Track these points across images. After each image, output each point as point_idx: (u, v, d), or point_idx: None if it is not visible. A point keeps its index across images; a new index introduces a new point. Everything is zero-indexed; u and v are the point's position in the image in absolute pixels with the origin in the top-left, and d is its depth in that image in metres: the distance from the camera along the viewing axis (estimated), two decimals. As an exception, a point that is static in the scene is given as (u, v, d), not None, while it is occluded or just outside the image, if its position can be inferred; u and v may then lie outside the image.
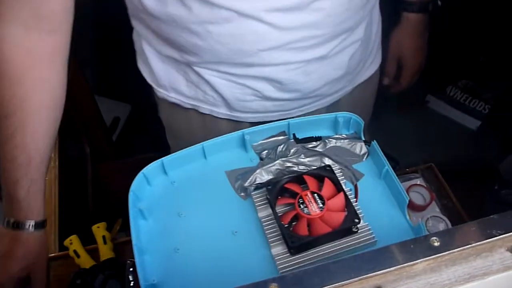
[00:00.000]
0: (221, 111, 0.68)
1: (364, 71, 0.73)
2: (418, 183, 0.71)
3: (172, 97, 0.69)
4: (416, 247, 0.37)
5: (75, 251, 0.66)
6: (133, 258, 0.48)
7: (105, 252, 0.65)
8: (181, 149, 0.56)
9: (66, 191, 0.91)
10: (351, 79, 0.71)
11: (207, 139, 0.57)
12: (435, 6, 0.80)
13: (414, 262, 0.36)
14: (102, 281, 0.62)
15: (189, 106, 0.69)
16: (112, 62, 1.45)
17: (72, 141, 1.13)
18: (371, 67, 0.75)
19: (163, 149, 0.77)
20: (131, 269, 0.57)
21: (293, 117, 0.61)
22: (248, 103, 0.65)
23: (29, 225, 0.57)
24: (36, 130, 0.55)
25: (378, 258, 0.37)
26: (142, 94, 0.86)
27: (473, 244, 0.36)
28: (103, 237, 0.67)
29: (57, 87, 0.57)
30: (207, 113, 0.69)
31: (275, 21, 0.55)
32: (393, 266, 0.34)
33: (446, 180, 0.72)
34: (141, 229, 0.52)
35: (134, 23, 0.65)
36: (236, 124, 0.69)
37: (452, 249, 0.36)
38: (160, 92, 0.70)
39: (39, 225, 0.59)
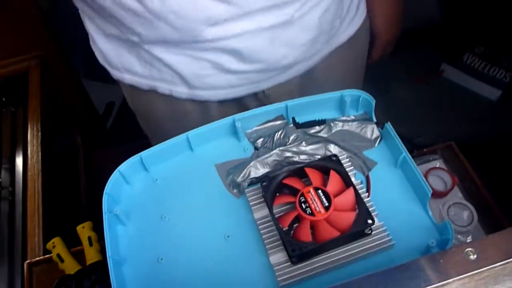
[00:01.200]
0: (181, 90, 0.61)
1: (342, 30, 0.63)
2: (437, 165, 0.63)
3: (128, 78, 0.63)
4: (447, 262, 0.30)
5: (58, 255, 0.60)
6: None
7: (92, 254, 0.60)
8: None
9: (55, 185, 0.85)
10: (326, 40, 0.61)
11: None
12: None
13: (445, 281, 0.29)
14: (89, 287, 0.56)
15: (147, 88, 0.62)
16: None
17: (61, 131, 1.06)
18: (352, 25, 0.64)
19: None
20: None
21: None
22: (209, 78, 0.58)
23: None
24: None
25: (399, 278, 0.30)
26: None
27: (520, 256, 0.30)
28: (89, 238, 0.61)
29: None
30: (167, 93, 0.62)
31: None
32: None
33: (467, 159, 0.64)
34: (119, 237, 0.46)
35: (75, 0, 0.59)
36: (201, 104, 0.62)
37: (493, 264, 0.30)
38: (115, 74, 0.64)
39: None
